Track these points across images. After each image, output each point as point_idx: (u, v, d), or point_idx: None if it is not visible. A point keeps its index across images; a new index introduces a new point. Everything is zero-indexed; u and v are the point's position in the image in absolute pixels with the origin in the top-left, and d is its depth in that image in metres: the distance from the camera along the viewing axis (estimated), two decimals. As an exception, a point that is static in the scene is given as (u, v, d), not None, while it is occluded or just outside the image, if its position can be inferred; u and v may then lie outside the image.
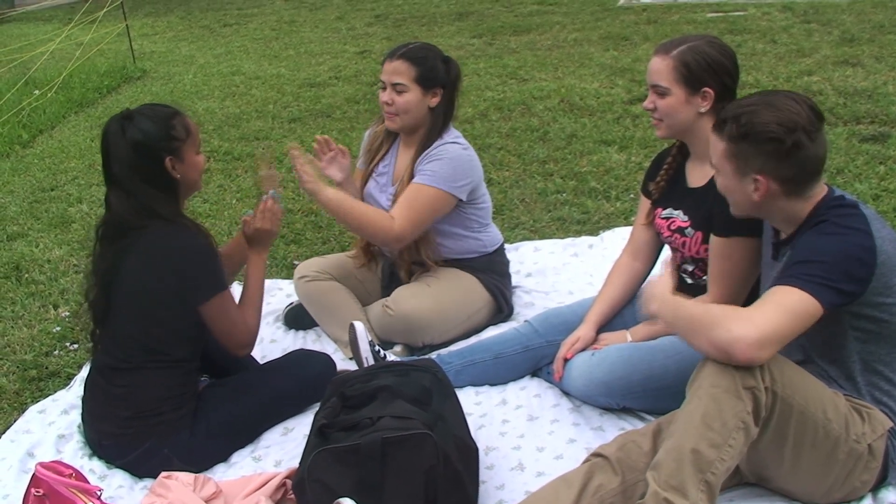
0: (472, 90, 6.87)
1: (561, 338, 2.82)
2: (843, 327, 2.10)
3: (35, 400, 3.09)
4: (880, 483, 2.18)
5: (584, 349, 2.74)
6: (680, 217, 2.66)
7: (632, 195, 4.46)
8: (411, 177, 3.08)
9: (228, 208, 4.89)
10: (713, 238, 2.52)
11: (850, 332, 2.10)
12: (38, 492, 2.25)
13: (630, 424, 2.61)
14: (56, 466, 2.32)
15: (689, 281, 2.70)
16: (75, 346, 3.48)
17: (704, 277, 2.62)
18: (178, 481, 2.37)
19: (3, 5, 14.86)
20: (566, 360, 2.75)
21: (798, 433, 2.01)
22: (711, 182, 2.55)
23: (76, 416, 2.82)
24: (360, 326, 2.88)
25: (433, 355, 3.03)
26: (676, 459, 1.92)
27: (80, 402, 2.76)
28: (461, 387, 2.85)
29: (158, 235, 2.50)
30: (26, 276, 4.16)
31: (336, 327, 3.23)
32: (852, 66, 6.52)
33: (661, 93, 2.50)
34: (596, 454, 2.23)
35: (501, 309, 3.30)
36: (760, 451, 2.05)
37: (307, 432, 2.48)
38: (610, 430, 2.60)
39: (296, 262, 3.88)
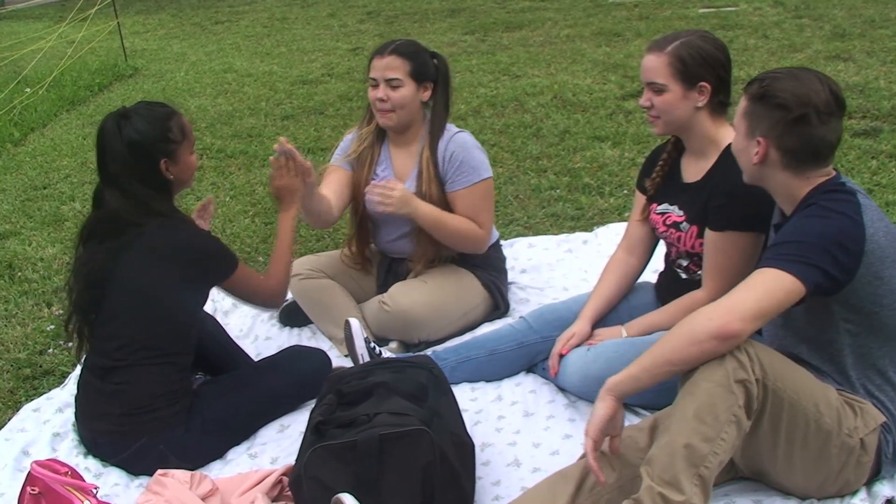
0: (465, 87, 6.87)
1: (556, 334, 2.82)
2: (834, 319, 2.10)
3: (29, 398, 3.08)
4: (873, 477, 2.19)
5: (579, 345, 2.75)
6: (675, 212, 2.67)
7: (625, 191, 4.46)
8: (432, 170, 3.08)
9: (221, 206, 4.88)
10: (708, 232, 2.53)
11: (840, 325, 2.10)
12: (33, 490, 2.25)
13: (626, 420, 2.61)
14: (51, 465, 2.31)
15: (684, 276, 2.71)
16: (69, 344, 3.46)
17: (699, 273, 2.63)
18: (175, 479, 2.36)
19: (-8, 3, 14.81)
20: (561, 356, 2.75)
21: (790, 426, 2.02)
22: (707, 177, 2.57)
23: (71, 415, 2.81)
24: (355, 323, 2.88)
25: (428, 352, 3.03)
26: (670, 454, 1.92)
27: (74, 401, 2.75)
28: (457, 383, 2.85)
29: (160, 232, 2.50)
30: (19, 274, 4.15)
31: (331, 324, 3.23)
32: (844, 60, 6.54)
33: (658, 89, 2.50)
34: (593, 450, 2.23)
35: (498, 306, 3.30)
36: (753, 444, 2.05)
37: (303, 429, 2.47)
38: (605, 426, 2.60)
39: (290, 260, 3.87)
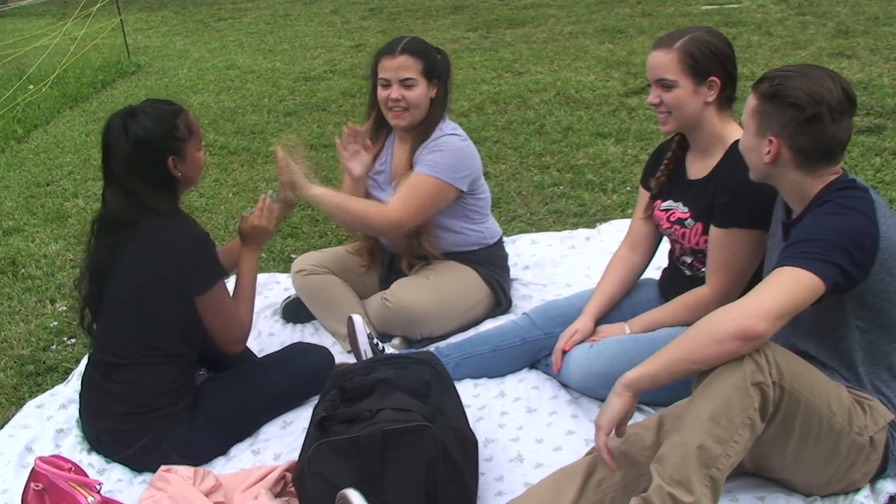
0: (468, 84, 6.86)
1: (559, 330, 2.82)
2: (846, 316, 2.09)
3: (33, 395, 3.09)
4: (879, 474, 2.18)
5: (582, 341, 2.75)
6: (680, 209, 2.66)
7: (628, 187, 4.46)
8: (411, 169, 3.07)
9: (224, 202, 4.88)
10: (713, 229, 2.53)
11: (852, 322, 2.10)
12: (37, 486, 2.25)
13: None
14: (55, 461, 2.32)
15: (688, 273, 2.71)
16: (73, 340, 3.47)
17: (703, 270, 2.62)
18: (178, 475, 2.37)
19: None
20: (564, 353, 2.75)
21: (804, 427, 2.01)
22: (712, 174, 2.57)
23: (74, 411, 2.81)
24: (358, 319, 2.88)
25: (431, 348, 3.03)
26: (682, 455, 1.91)
27: (77, 397, 2.75)
28: (459, 379, 2.86)
29: (154, 229, 2.49)
30: (23, 271, 4.16)
31: (334, 321, 3.23)
32: (847, 58, 6.52)
33: (668, 86, 2.49)
34: (598, 447, 2.23)
35: (500, 302, 3.30)
36: (764, 444, 2.04)
37: (306, 425, 2.48)
38: (609, 422, 2.60)
39: (293, 256, 3.88)
